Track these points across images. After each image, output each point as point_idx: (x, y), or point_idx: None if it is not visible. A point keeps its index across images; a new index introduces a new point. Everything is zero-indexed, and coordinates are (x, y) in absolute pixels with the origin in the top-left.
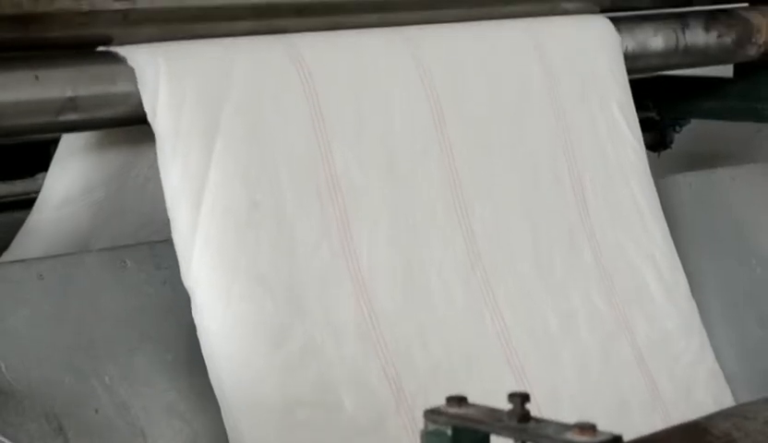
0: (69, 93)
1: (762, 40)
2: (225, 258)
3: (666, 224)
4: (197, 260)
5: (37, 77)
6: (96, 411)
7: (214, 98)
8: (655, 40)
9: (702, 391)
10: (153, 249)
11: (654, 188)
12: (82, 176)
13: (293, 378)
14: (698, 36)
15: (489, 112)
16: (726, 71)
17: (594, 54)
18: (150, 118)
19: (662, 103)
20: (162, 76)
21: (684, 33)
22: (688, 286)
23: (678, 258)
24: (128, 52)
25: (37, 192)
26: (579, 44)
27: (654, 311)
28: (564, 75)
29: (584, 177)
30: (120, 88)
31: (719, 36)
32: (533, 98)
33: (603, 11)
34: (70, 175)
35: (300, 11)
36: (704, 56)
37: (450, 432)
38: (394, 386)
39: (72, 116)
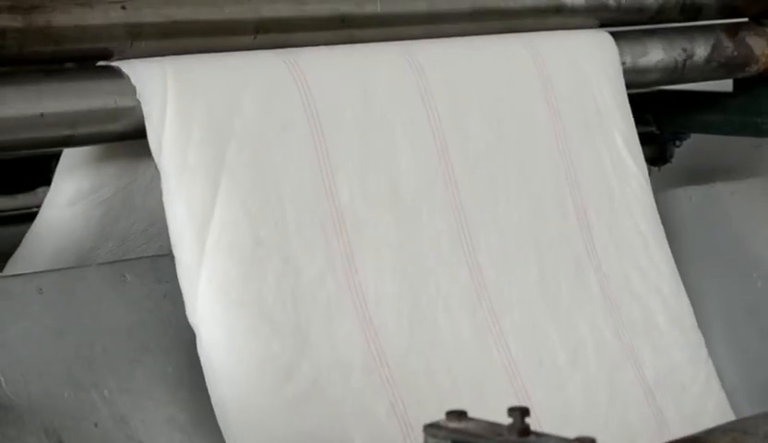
0: (72, 108)
1: (762, 55)
2: (230, 295)
3: (671, 255)
4: (202, 297)
5: (40, 93)
6: (96, 424)
7: (221, 134)
8: (655, 55)
9: (710, 423)
10: (154, 263)
11: (658, 218)
12: (91, 174)
13: (300, 415)
14: (698, 51)
15: (493, 143)
16: (726, 86)
17: (597, 83)
18: (155, 154)
19: (662, 117)
20: (169, 111)
21: (684, 49)
22: (694, 317)
23: (683, 289)
24: (134, 73)
25: (38, 206)
26: (582, 69)
27: (660, 342)
28: (567, 106)
29: (589, 209)
30: (123, 103)
31: (719, 52)
32: (536, 130)
33: (603, 25)
34: (79, 173)
35: (304, 26)
36: (704, 71)
37: None
38: (402, 420)
39: (75, 131)
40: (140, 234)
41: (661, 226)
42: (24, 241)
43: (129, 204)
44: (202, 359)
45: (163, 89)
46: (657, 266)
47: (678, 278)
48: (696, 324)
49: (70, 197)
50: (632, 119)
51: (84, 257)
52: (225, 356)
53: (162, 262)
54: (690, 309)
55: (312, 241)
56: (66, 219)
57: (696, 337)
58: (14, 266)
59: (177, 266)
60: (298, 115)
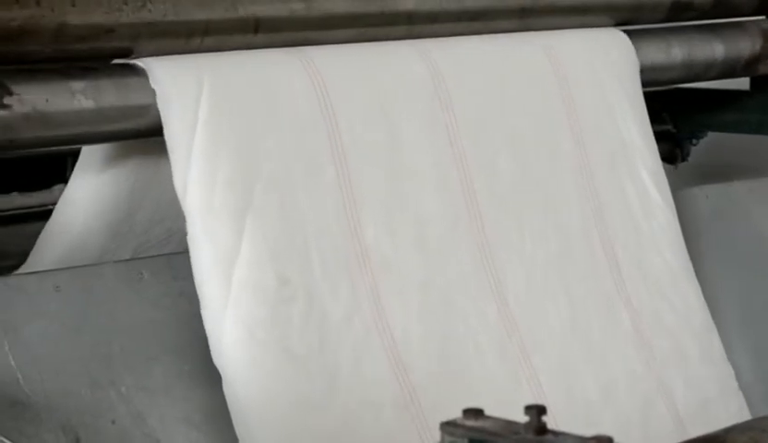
0: (92, 105)
1: None
2: (256, 335)
3: (698, 285)
4: (227, 337)
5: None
6: (113, 421)
7: (247, 175)
8: (672, 53)
9: None
10: (170, 261)
11: (685, 250)
12: (108, 171)
13: None
14: (715, 50)
15: (518, 179)
16: (743, 84)
17: (622, 113)
18: (179, 194)
19: (678, 116)
20: (196, 151)
21: (700, 47)
22: (722, 348)
23: (711, 319)
24: (165, 109)
25: (54, 204)
26: (607, 99)
27: (692, 376)
28: (592, 138)
29: (616, 245)
30: (141, 100)
31: (736, 50)
32: (561, 165)
33: (618, 24)
34: (96, 171)
35: (321, 25)
36: (721, 70)
37: None
38: None
39: (95, 128)
40: (158, 232)
41: (688, 258)
42: (40, 238)
43: (146, 201)
44: (228, 398)
45: (192, 132)
46: (686, 299)
47: (707, 310)
48: (725, 355)
49: (87, 195)
50: (656, 148)
51: (101, 255)
52: (253, 396)
53: (178, 260)
54: (719, 340)
55: (337, 281)
56: (83, 216)
57: (726, 369)
58: (31, 264)
59: (202, 307)
60: (325, 156)
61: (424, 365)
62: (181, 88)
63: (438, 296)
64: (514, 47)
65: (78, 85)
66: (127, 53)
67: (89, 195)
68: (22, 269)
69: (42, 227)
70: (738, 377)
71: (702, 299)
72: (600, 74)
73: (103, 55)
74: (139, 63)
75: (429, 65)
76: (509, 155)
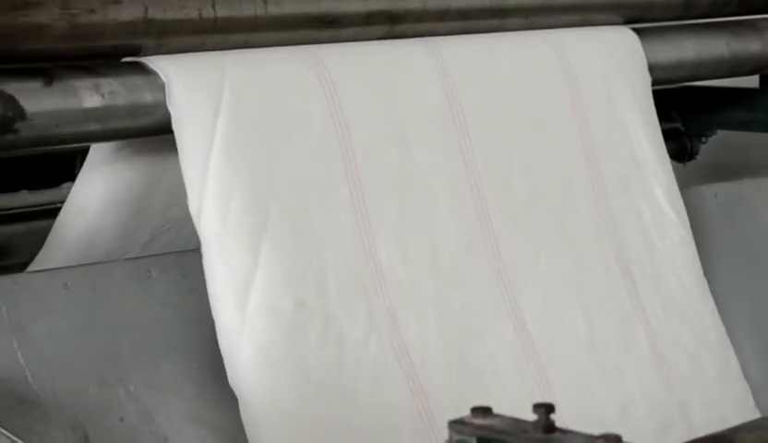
0: (99, 103)
1: None
2: (273, 358)
3: (713, 303)
4: (243, 360)
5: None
6: (121, 419)
7: (262, 197)
8: (682, 51)
9: None
10: (179, 259)
11: (700, 268)
12: (117, 169)
13: None
14: (724, 47)
15: (532, 200)
16: (752, 82)
17: (634, 128)
18: (194, 218)
19: (687, 114)
20: (210, 176)
21: (710, 44)
22: (738, 365)
23: (727, 337)
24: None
25: (62, 201)
26: (618, 113)
27: (710, 396)
28: (605, 159)
29: (632, 264)
30: (150, 98)
31: (745, 47)
32: (574, 185)
33: (627, 22)
34: (105, 169)
35: (329, 23)
36: (731, 68)
37: (474, 442)
38: None
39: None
40: (166, 231)
41: (703, 275)
42: (49, 237)
43: (155, 199)
44: (245, 421)
45: (207, 155)
46: (702, 317)
47: (723, 328)
48: (741, 372)
49: (95, 193)
50: (669, 163)
51: (109, 253)
52: (270, 418)
53: (187, 258)
54: (735, 357)
55: (354, 303)
56: (91, 214)
57: (743, 386)
58: (40, 262)
59: (218, 330)
60: (339, 177)
61: (442, 389)
62: (197, 111)
63: (455, 318)
64: (528, 59)
65: (86, 82)
66: (136, 51)
67: (97, 192)
68: (31, 267)
69: (51, 225)
70: (746, 375)
71: (718, 316)
72: (612, 85)
73: (113, 53)
74: (155, 68)
75: (445, 84)
76: (522, 175)
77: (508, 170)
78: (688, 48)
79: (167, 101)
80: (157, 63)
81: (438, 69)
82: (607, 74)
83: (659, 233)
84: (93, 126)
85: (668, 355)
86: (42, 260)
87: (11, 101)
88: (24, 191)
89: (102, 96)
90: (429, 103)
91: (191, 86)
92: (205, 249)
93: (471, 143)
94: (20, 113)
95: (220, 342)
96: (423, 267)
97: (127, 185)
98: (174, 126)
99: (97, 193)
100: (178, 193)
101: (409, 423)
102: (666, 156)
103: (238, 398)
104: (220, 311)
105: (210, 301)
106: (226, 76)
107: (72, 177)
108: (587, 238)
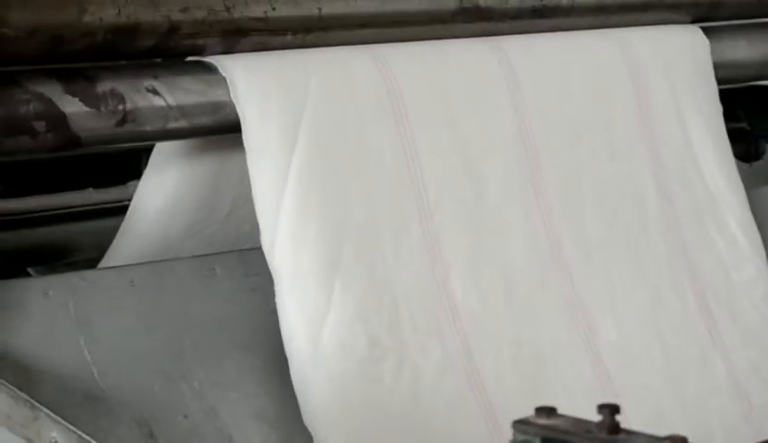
0: (172, 102)
1: None
2: (347, 397)
3: None
4: (317, 398)
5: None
6: (185, 416)
7: (335, 234)
8: (748, 50)
9: None
10: (242, 257)
11: None
12: (182, 167)
13: None
14: None
15: (605, 233)
16: None
17: (705, 157)
18: (267, 256)
19: (753, 113)
20: (284, 213)
21: None
22: None
23: None
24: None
25: (129, 199)
26: (690, 139)
27: None
28: (677, 190)
29: (708, 296)
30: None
31: None
32: (647, 217)
33: (694, 21)
34: (171, 167)
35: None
36: None
37: (538, 442)
38: None
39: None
40: (230, 228)
41: None
42: (118, 234)
43: (221, 196)
44: None
45: (281, 192)
46: None
47: None
48: None
49: (161, 190)
50: (742, 189)
51: (176, 250)
52: None
53: (250, 255)
54: None
55: (428, 339)
56: (156, 212)
57: None
58: (108, 259)
59: (290, 365)
60: (412, 212)
61: None
62: (273, 144)
63: (530, 352)
64: (598, 72)
65: (153, 82)
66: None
67: (162, 190)
68: (102, 264)
69: (117, 222)
70: None
71: None
72: (681, 101)
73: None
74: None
75: (515, 100)
76: (595, 207)
77: (580, 202)
78: (755, 47)
79: (235, 104)
80: (223, 63)
81: (506, 80)
82: (676, 86)
83: (735, 266)
84: (163, 125)
85: (747, 387)
86: (112, 257)
87: (122, 99)
88: (90, 189)
89: (171, 94)
90: (503, 137)
91: (266, 113)
92: (278, 286)
93: (541, 172)
94: (130, 111)
95: (292, 377)
96: (498, 301)
97: (193, 181)
98: (248, 157)
99: (162, 190)
100: (242, 191)
101: None
102: (739, 182)
103: (312, 435)
104: (293, 346)
105: (282, 335)
106: (309, 93)
107: (138, 175)
108: (662, 271)
